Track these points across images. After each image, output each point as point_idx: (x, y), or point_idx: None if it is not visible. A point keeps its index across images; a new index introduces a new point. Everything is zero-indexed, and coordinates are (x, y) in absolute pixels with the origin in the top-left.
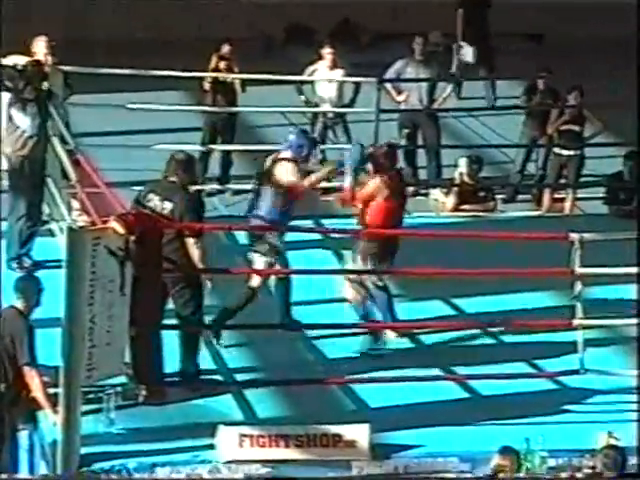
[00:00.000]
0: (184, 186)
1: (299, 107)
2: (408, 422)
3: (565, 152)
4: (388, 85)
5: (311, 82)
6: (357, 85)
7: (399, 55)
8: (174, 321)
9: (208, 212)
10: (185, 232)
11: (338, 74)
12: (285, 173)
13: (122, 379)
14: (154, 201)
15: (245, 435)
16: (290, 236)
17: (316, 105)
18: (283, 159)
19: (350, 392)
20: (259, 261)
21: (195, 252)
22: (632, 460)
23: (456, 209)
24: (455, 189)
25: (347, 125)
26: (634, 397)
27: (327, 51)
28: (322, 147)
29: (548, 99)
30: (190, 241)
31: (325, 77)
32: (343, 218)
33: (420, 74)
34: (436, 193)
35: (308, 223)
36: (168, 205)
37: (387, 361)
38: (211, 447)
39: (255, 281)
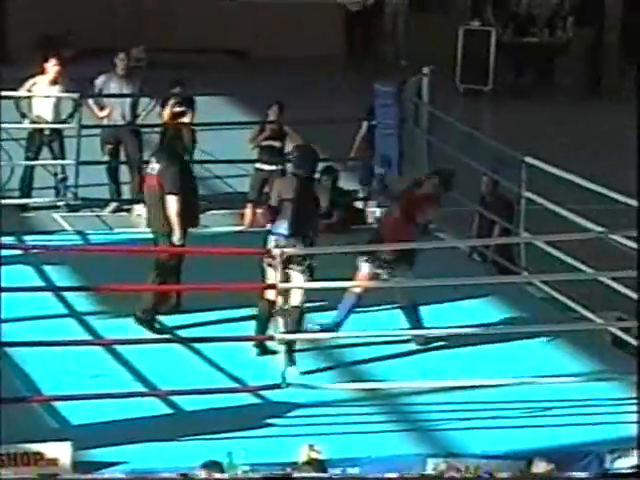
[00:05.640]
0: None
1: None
2: (112, 439)
3: (266, 167)
4: (90, 100)
5: (28, 97)
6: (76, 101)
7: (102, 70)
8: None
9: None
10: (167, 190)
11: (57, 89)
12: None
13: None
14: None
15: None
16: None
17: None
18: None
19: (52, 410)
20: (297, 278)
21: (173, 207)
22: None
23: None
24: None
25: (63, 141)
26: (334, 410)
27: (51, 65)
28: (34, 163)
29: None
30: (171, 198)
31: (39, 93)
32: (43, 234)
33: (123, 89)
34: (139, 209)
35: (10, 239)
36: (156, 166)
37: (90, 378)
38: None
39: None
